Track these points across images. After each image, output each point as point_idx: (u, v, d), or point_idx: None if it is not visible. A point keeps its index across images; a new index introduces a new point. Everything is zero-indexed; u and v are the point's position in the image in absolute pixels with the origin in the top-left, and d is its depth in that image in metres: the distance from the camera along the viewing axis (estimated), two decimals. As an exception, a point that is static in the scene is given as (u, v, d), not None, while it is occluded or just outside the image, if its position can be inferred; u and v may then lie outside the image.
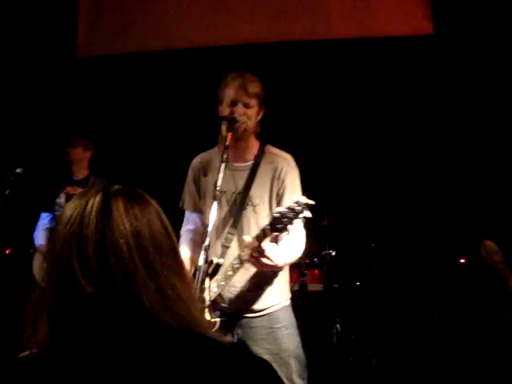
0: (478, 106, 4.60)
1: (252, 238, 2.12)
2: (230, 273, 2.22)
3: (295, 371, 2.28)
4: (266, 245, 2.10)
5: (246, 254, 2.14)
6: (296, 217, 1.99)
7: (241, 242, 2.29)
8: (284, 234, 2.08)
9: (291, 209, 1.99)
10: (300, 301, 4.08)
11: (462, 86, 4.60)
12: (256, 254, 2.09)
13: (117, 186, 1.03)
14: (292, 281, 3.83)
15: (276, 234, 2.08)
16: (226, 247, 2.32)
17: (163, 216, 1.03)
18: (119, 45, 4.85)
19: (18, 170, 3.80)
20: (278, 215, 2.02)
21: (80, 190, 3.91)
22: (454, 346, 4.12)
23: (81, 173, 4.16)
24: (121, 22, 4.89)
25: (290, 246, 2.29)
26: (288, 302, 2.43)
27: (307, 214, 1.98)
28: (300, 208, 1.97)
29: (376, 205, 4.93)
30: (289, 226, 2.01)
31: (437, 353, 4.15)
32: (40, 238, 4.03)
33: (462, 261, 4.69)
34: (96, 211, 0.97)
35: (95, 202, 0.98)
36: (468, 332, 4.14)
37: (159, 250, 0.98)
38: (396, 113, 4.79)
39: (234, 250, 2.31)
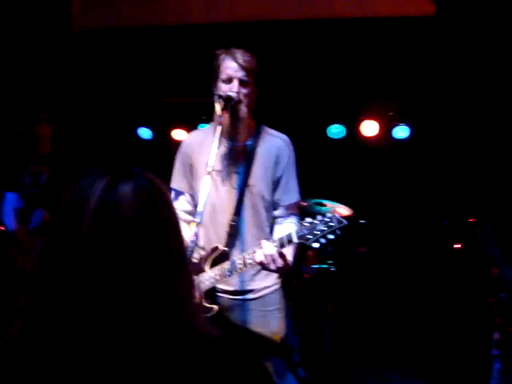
0: (478, 88, 4.56)
1: (272, 242, 2.03)
2: (240, 266, 2.13)
3: (285, 354, 2.27)
4: (285, 251, 2.04)
5: (260, 256, 2.03)
6: (329, 232, 1.92)
7: (241, 228, 2.24)
8: (312, 246, 1.96)
9: (325, 222, 1.93)
10: (294, 283, 4.07)
11: (463, 67, 4.54)
12: (271, 260, 2.01)
13: (124, 169, 1.00)
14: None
15: (301, 243, 1.99)
16: (229, 234, 2.25)
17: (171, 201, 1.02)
18: (114, 19, 4.75)
19: (10, 146, 3.75)
20: (308, 225, 1.95)
21: (45, 168, 3.78)
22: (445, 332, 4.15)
23: (44, 149, 3.91)
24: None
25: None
26: (280, 284, 2.39)
27: (339, 232, 1.92)
28: (334, 225, 1.92)
29: (369, 188, 4.91)
30: (321, 240, 1.94)
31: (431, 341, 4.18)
32: (12, 221, 3.84)
33: (457, 246, 4.69)
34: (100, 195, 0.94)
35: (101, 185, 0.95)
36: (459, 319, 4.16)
37: (167, 240, 0.97)
38: (395, 94, 4.75)
39: (238, 238, 2.25)
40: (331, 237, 1.93)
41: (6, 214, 3.88)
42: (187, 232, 2.23)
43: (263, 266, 2.06)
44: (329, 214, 1.95)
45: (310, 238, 1.95)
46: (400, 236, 5.00)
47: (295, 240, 1.98)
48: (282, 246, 2.01)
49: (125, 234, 0.93)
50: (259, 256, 2.04)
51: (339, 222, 1.93)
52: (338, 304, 4.23)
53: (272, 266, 2.02)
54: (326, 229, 1.92)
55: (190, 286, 1.04)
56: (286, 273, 2.21)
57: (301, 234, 1.97)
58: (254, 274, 2.30)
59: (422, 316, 4.46)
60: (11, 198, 3.89)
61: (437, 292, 4.58)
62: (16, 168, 3.87)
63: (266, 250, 2.01)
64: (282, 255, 2.03)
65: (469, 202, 4.71)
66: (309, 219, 1.97)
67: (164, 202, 1.01)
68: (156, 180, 1.02)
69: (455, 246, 4.79)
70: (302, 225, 1.98)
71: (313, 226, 1.94)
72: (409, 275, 4.77)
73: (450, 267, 4.66)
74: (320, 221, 1.94)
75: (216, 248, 2.23)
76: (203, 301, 2.18)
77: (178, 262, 0.99)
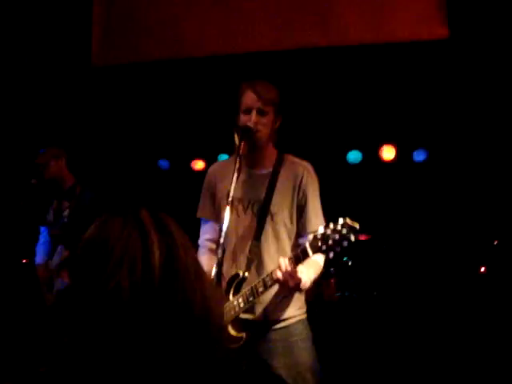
0: (492, 110, 4.53)
1: (289, 259, 2.02)
2: (261, 289, 2.12)
3: (312, 385, 2.23)
4: (299, 269, 2.02)
5: (278, 274, 2.03)
6: (342, 240, 1.88)
7: (263, 255, 2.24)
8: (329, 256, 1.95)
9: (337, 231, 1.89)
10: (316, 311, 4.03)
11: (476, 89, 4.53)
12: (287, 277, 2.01)
13: (144, 212, 1.02)
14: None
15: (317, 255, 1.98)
16: (250, 260, 2.24)
17: (186, 238, 1.04)
18: (133, 54, 4.85)
19: (32, 181, 3.79)
20: (320, 236, 1.92)
21: (66, 203, 3.75)
22: (476, 358, 4.03)
23: (65, 183, 3.83)
24: (134, 31, 4.88)
25: (316, 266, 2.20)
26: (304, 315, 2.37)
27: (353, 237, 1.88)
28: (346, 231, 1.87)
29: (391, 212, 4.87)
30: (336, 249, 1.90)
31: (459, 367, 4.07)
32: (38, 255, 3.88)
33: (482, 269, 4.60)
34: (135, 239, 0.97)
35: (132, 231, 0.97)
36: (490, 342, 4.05)
37: (187, 273, 0.99)
38: (410, 117, 4.75)
39: (259, 264, 2.24)
40: (345, 244, 1.90)
41: (38, 247, 3.94)
42: (210, 262, 2.26)
43: (281, 284, 2.06)
44: (341, 221, 1.91)
45: (324, 250, 1.92)
46: (422, 259, 4.93)
47: (310, 254, 1.97)
48: (297, 261, 2.01)
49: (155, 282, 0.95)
50: (277, 273, 2.04)
51: (351, 227, 1.89)
52: (361, 330, 4.17)
53: (290, 283, 2.02)
54: (338, 237, 1.89)
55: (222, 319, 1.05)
56: (300, 290, 2.16)
57: (314, 246, 1.95)
58: (278, 303, 2.28)
59: (448, 344, 4.36)
60: (44, 231, 3.95)
61: (465, 317, 4.48)
62: (41, 204, 3.90)
63: (283, 266, 2.01)
64: (296, 276, 2.02)
65: (492, 223, 4.64)
66: (321, 230, 1.95)
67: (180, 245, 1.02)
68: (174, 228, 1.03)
69: (481, 269, 4.70)
70: (314, 237, 1.95)
71: (326, 236, 1.91)
72: (433, 300, 4.68)
73: (477, 292, 4.56)
74: (332, 230, 1.91)
75: (237, 275, 2.23)
76: (231, 331, 2.16)
77: (201, 281, 1.01)
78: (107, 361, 0.92)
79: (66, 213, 3.76)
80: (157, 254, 0.95)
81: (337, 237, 1.90)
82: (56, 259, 3.76)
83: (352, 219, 1.91)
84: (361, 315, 4.33)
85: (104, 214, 1.04)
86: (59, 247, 3.75)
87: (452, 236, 4.89)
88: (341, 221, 1.91)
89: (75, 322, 0.95)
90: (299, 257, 2.01)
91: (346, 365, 4.00)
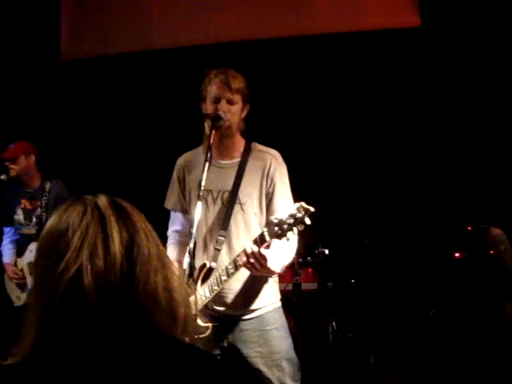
0: (465, 97, 4.57)
1: (252, 241, 2.05)
2: (224, 277, 2.15)
3: (288, 373, 2.23)
4: (264, 251, 2.04)
5: (241, 259, 2.07)
6: (297, 223, 1.92)
7: (233, 244, 2.24)
8: (283, 240, 2.01)
9: (291, 215, 1.93)
10: (294, 300, 4.03)
11: (449, 77, 4.57)
12: (253, 259, 2.03)
13: (103, 199, 1.02)
14: (285, 280, 3.83)
15: (274, 240, 2.02)
16: (217, 250, 2.25)
17: (148, 224, 1.05)
18: (103, 47, 4.79)
19: (2, 177, 3.70)
20: (276, 221, 1.96)
21: (37, 202, 3.67)
22: (452, 342, 4.09)
23: (33, 182, 3.74)
24: (104, 24, 4.82)
25: (285, 250, 2.21)
26: (279, 303, 2.37)
27: (308, 221, 1.92)
28: (301, 215, 1.91)
29: (367, 200, 4.89)
30: (289, 234, 1.95)
31: (434, 348, 4.11)
32: (6, 254, 3.82)
33: (457, 255, 4.65)
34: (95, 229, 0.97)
35: (92, 221, 0.98)
36: (466, 327, 4.10)
37: (149, 257, 1.00)
38: (384, 106, 4.75)
39: (225, 253, 2.25)
40: (300, 228, 1.94)
41: (2, 247, 3.89)
42: (177, 252, 2.24)
43: (249, 268, 2.08)
44: (296, 205, 1.95)
45: (280, 234, 1.96)
46: (399, 248, 4.96)
47: (267, 238, 1.99)
48: (256, 246, 2.03)
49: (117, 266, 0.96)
50: (243, 257, 2.07)
51: (306, 210, 1.92)
52: (340, 320, 4.18)
53: (257, 265, 2.04)
54: (293, 221, 1.93)
55: (181, 293, 1.05)
56: (271, 273, 2.19)
57: (271, 230, 1.98)
58: (250, 293, 2.27)
59: (427, 329, 4.40)
60: (8, 231, 3.88)
61: (442, 304, 4.52)
62: (9, 203, 3.79)
63: (248, 248, 2.04)
64: (262, 256, 2.04)
65: (465, 209, 4.69)
66: (277, 215, 1.99)
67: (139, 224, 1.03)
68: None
69: (455, 255, 4.75)
70: (271, 222, 1.99)
71: (281, 221, 1.95)
72: (410, 286, 4.71)
73: (452, 277, 4.61)
74: (288, 214, 1.94)
75: (204, 265, 2.22)
76: (198, 321, 2.15)
77: (163, 273, 1.01)
78: (72, 347, 0.92)
79: (39, 211, 3.67)
80: (117, 239, 0.96)
81: (291, 221, 1.93)
82: (28, 257, 3.68)
83: (308, 203, 1.95)
84: (339, 304, 4.34)
85: (64, 204, 1.04)
86: (31, 244, 3.67)
87: (428, 223, 4.92)
88: (296, 205, 1.94)
89: (40, 311, 0.95)
90: (257, 242, 2.03)
91: (325, 352, 4.02)
